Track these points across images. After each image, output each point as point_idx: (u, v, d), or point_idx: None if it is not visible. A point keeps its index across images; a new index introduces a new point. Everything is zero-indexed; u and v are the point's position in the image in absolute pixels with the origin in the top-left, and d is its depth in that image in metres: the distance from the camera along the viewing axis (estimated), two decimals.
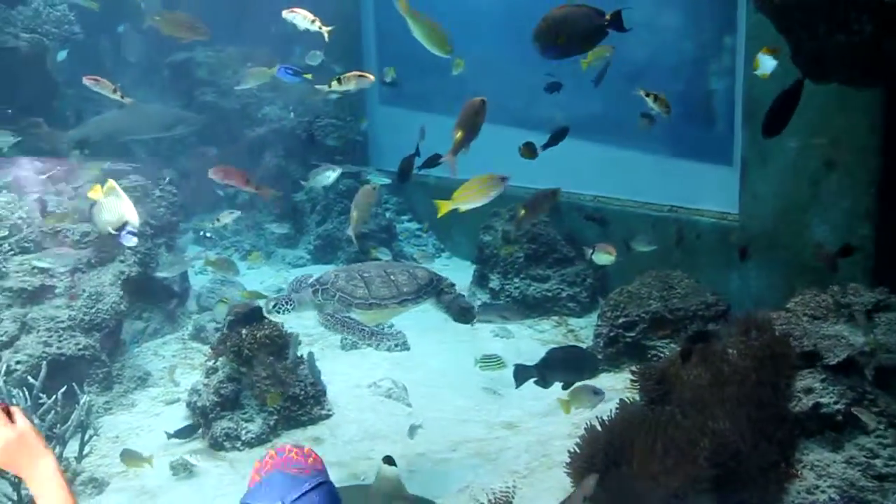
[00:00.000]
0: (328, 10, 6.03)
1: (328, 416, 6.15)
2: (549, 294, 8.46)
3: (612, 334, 6.84)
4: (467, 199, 4.87)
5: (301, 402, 6.00)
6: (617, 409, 5.03)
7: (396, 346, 7.77)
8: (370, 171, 10.30)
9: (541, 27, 4.04)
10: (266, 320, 5.90)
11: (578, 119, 7.07)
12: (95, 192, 4.38)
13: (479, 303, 8.78)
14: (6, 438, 1.62)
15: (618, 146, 8.17)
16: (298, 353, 6.23)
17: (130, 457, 5.46)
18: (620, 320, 6.81)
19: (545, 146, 6.18)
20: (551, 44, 4.05)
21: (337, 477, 5.39)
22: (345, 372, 7.00)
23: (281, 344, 6.00)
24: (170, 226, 8.85)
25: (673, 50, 7.77)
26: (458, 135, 4.96)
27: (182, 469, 5.51)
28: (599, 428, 4.90)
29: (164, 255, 8.40)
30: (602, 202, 8.62)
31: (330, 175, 7.24)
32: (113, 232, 4.31)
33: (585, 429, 5.00)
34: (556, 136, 6.20)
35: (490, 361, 6.44)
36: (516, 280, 8.56)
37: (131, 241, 4.14)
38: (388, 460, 4.59)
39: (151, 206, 8.76)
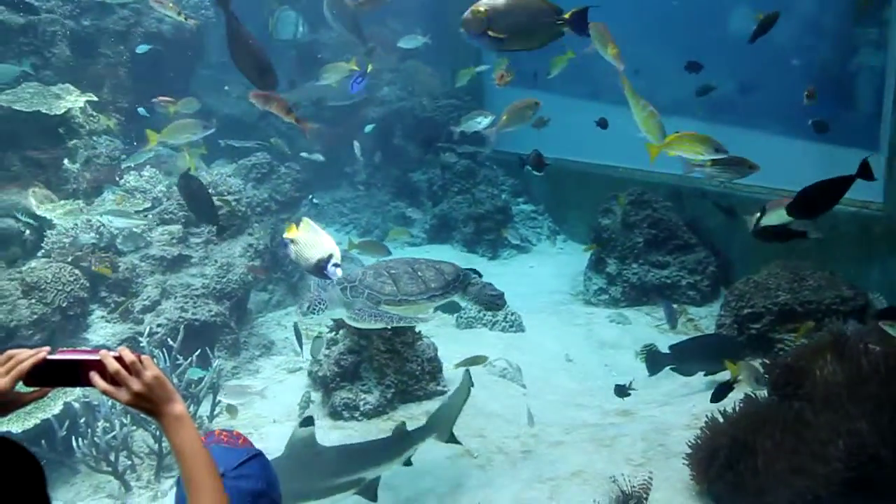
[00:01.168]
0: None
1: (443, 392, 6.21)
2: (668, 281, 8.24)
3: (735, 325, 6.58)
4: (679, 147, 4.64)
5: (417, 378, 6.11)
6: (742, 402, 4.85)
7: (511, 327, 7.80)
8: (487, 150, 10.28)
9: (474, 14, 3.61)
10: None
11: (702, 101, 6.79)
12: (292, 232, 4.38)
13: (595, 288, 8.66)
14: (145, 380, 1.70)
15: (748, 127, 7.78)
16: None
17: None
18: (745, 311, 6.53)
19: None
20: (479, 33, 3.64)
21: (447, 453, 5.49)
22: (459, 351, 7.04)
23: None
24: (293, 201, 9.21)
25: (813, 22, 7.29)
26: (505, 118, 5.64)
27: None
28: (722, 421, 4.74)
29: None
30: (729, 188, 8.26)
31: (481, 120, 7.17)
32: (314, 266, 4.25)
33: (707, 421, 4.84)
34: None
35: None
36: (634, 266, 8.38)
37: (337, 274, 4.20)
38: (306, 422, 4.53)
39: (277, 181, 9.14)
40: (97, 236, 6.79)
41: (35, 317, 5.94)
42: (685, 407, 5.83)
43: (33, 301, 6.02)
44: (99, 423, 5.20)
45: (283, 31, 9.63)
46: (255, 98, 4.81)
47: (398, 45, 9.03)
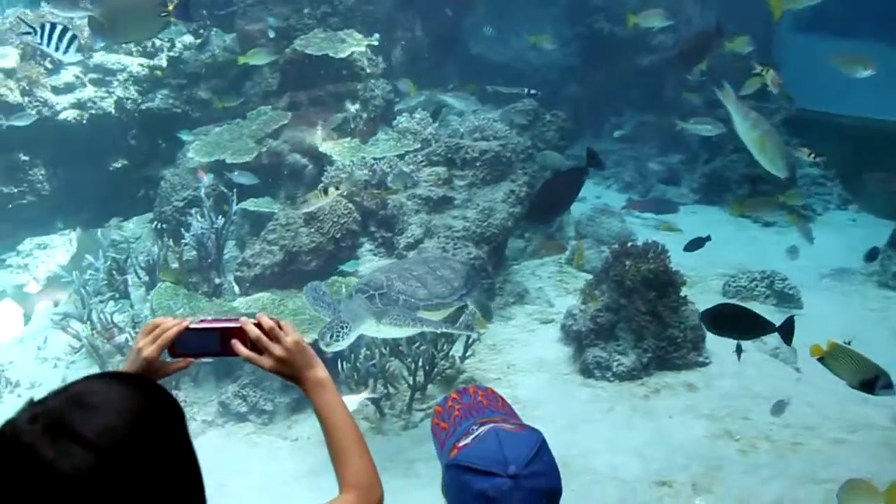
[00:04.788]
0: None
1: (704, 364, 5.77)
2: None
3: None
4: None
5: (678, 345, 5.70)
6: None
7: (786, 301, 7.01)
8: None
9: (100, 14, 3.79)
10: (652, 254, 5.68)
11: None
12: None
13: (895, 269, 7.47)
14: (286, 345, 1.67)
15: None
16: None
17: None
18: None
19: None
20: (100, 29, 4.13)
21: (705, 432, 5.06)
22: None
23: (665, 281, 5.71)
24: (557, 150, 8.98)
25: None
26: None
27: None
28: None
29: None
30: None
31: (707, 129, 6.60)
32: None
33: None
34: None
35: None
36: None
37: None
38: None
39: (542, 129, 8.99)
40: (370, 173, 7.11)
41: (313, 244, 6.40)
42: None
43: (312, 230, 6.49)
44: (361, 350, 5.48)
45: None
46: None
47: None
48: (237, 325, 1.69)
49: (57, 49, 5.27)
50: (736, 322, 4.80)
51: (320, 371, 1.72)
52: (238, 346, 1.67)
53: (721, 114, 6.87)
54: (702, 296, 6.96)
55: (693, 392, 5.52)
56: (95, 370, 5.71)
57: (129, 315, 6.02)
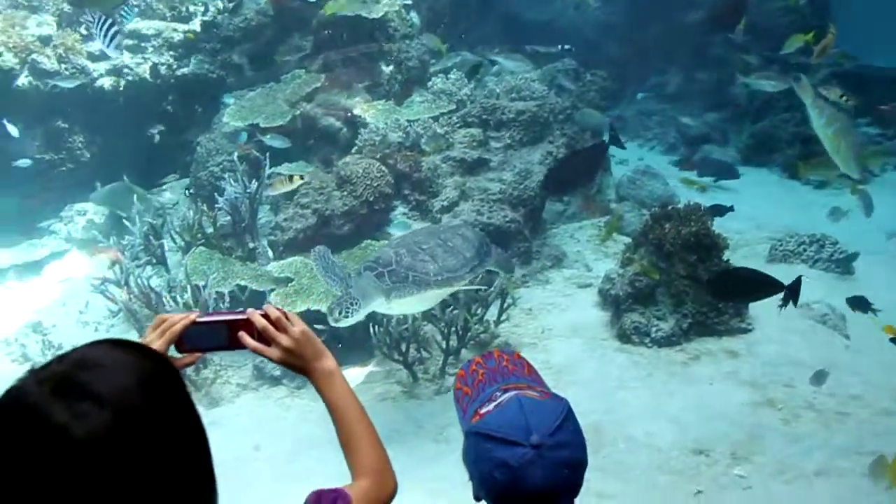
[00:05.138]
0: None
1: (747, 331, 5.60)
2: None
3: None
4: None
5: (719, 311, 5.53)
6: None
7: (836, 266, 6.73)
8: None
9: None
10: (694, 216, 5.48)
11: None
12: None
13: None
14: (293, 335, 1.67)
15: None
16: None
17: None
18: None
19: None
20: None
21: (746, 398, 4.90)
22: None
23: (707, 245, 5.51)
24: (598, 110, 8.76)
25: None
26: None
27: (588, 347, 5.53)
28: None
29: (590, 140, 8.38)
30: None
31: (771, 84, 6.28)
32: None
33: None
34: None
35: None
36: None
37: None
38: None
39: (582, 88, 8.76)
40: (404, 136, 7.01)
41: (346, 208, 6.35)
42: None
43: (345, 193, 6.43)
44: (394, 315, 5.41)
45: None
46: None
47: None
48: (244, 316, 1.68)
49: (104, 41, 5.40)
50: (740, 286, 4.73)
51: (329, 361, 1.71)
52: (245, 337, 1.67)
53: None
54: (746, 260, 6.73)
55: (734, 359, 5.37)
56: (134, 335, 5.79)
57: (166, 280, 6.05)
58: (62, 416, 1.01)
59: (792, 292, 4.35)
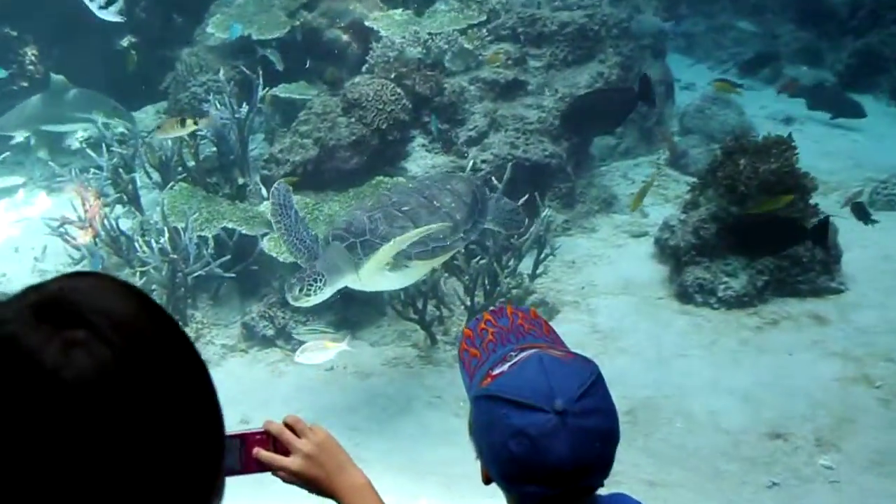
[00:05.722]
0: None
1: (839, 292, 5.54)
2: None
3: None
4: None
5: (803, 265, 5.44)
6: None
7: None
8: None
9: None
10: (776, 150, 5.29)
11: None
12: None
13: None
14: (316, 440, 1.66)
15: None
16: None
17: None
18: None
19: None
20: None
21: (834, 373, 4.80)
22: (871, 239, 6.03)
23: (790, 186, 5.34)
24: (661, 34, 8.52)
25: None
26: None
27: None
28: None
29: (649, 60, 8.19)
30: None
31: None
32: None
33: None
34: None
35: None
36: None
37: None
38: None
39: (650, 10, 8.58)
40: (424, 52, 6.81)
41: (354, 137, 6.20)
42: None
43: (353, 120, 6.28)
44: None
45: None
46: None
47: None
48: (262, 430, 1.66)
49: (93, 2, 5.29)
50: (761, 236, 4.87)
51: (358, 475, 1.69)
52: (261, 452, 1.64)
53: None
54: (840, 207, 6.53)
55: (822, 325, 5.31)
56: None
57: (138, 221, 5.97)
58: (52, 351, 0.88)
59: (819, 235, 4.27)
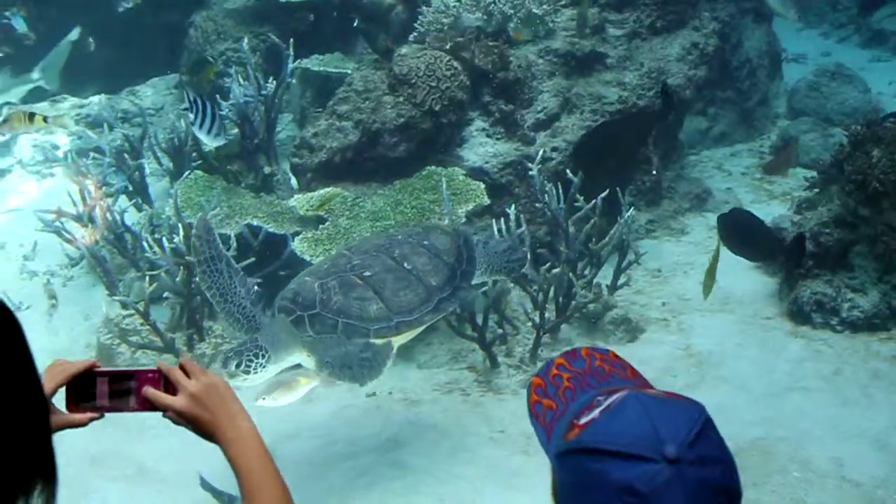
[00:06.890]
0: None
1: None
2: None
3: None
4: None
5: None
6: None
7: None
8: None
9: None
10: None
11: None
12: None
13: None
14: (205, 381, 1.85)
15: None
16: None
17: None
18: None
19: None
20: None
21: None
22: None
23: None
24: None
25: None
26: None
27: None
28: None
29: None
30: None
31: None
32: None
33: None
34: None
35: None
36: None
37: None
38: None
39: None
40: (485, 18, 6.78)
41: (401, 120, 6.22)
42: None
43: (400, 99, 6.28)
44: None
45: None
46: None
47: None
48: (153, 370, 1.88)
49: (202, 128, 5.61)
50: (747, 236, 5.02)
51: (247, 426, 1.84)
52: (149, 390, 1.85)
53: None
54: None
55: None
56: (101, 291, 5.78)
57: (147, 215, 6.00)
58: None
59: (791, 255, 4.45)
